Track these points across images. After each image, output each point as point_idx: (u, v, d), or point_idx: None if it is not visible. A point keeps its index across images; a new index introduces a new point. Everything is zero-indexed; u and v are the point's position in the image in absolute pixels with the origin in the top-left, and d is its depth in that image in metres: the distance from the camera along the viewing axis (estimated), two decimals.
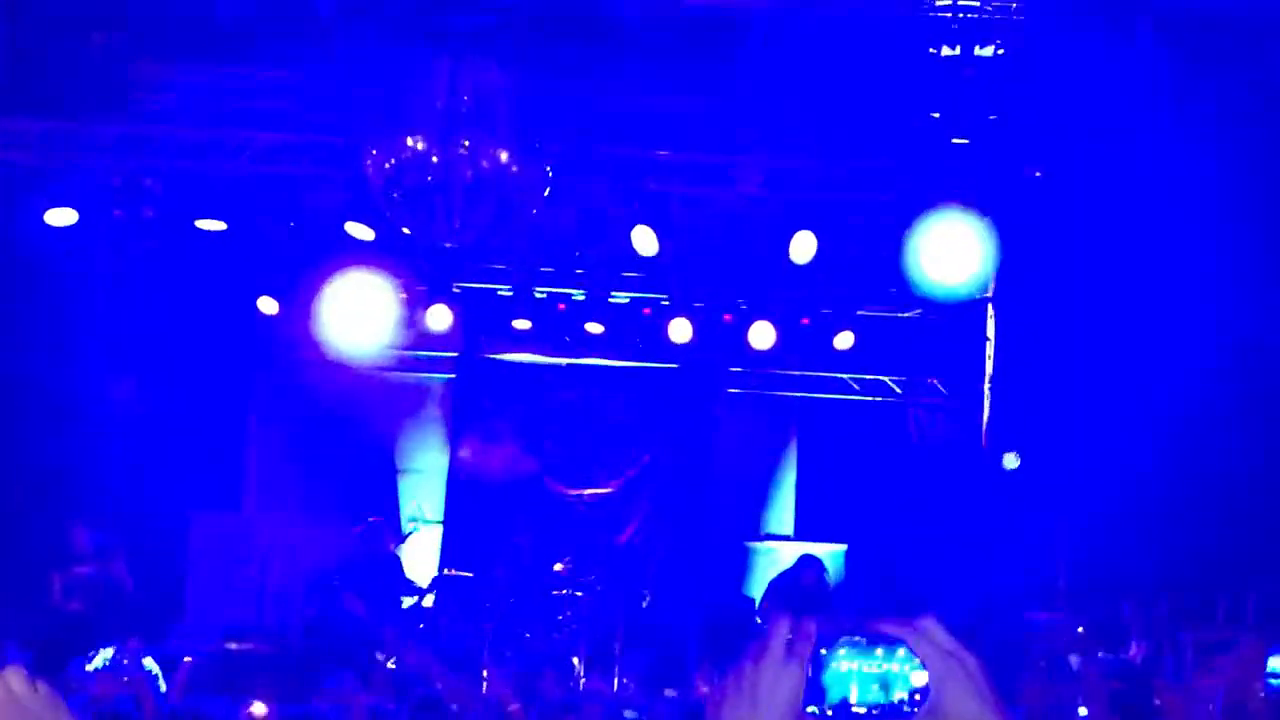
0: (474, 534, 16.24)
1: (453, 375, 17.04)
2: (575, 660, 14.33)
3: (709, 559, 16.52)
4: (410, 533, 14.93)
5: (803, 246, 13.07)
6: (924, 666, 2.17)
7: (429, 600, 14.27)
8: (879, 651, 2.25)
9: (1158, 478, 11.97)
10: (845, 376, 17.19)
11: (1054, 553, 13.69)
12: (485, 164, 10.39)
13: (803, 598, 14.67)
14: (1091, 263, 12.30)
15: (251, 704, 6.49)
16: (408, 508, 15.91)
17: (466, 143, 10.47)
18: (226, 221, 12.94)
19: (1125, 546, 12.62)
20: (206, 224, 12.94)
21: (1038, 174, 12.37)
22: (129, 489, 14.22)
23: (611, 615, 14.81)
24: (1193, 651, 11.58)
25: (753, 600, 15.51)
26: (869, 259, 14.27)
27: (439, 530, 16.05)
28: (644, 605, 15.21)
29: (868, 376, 17.16)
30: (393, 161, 10.54)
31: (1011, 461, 14.77)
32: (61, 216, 12.64)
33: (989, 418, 15.34)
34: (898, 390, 17.17)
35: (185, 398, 14.93)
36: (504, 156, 10.47)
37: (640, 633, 14.67)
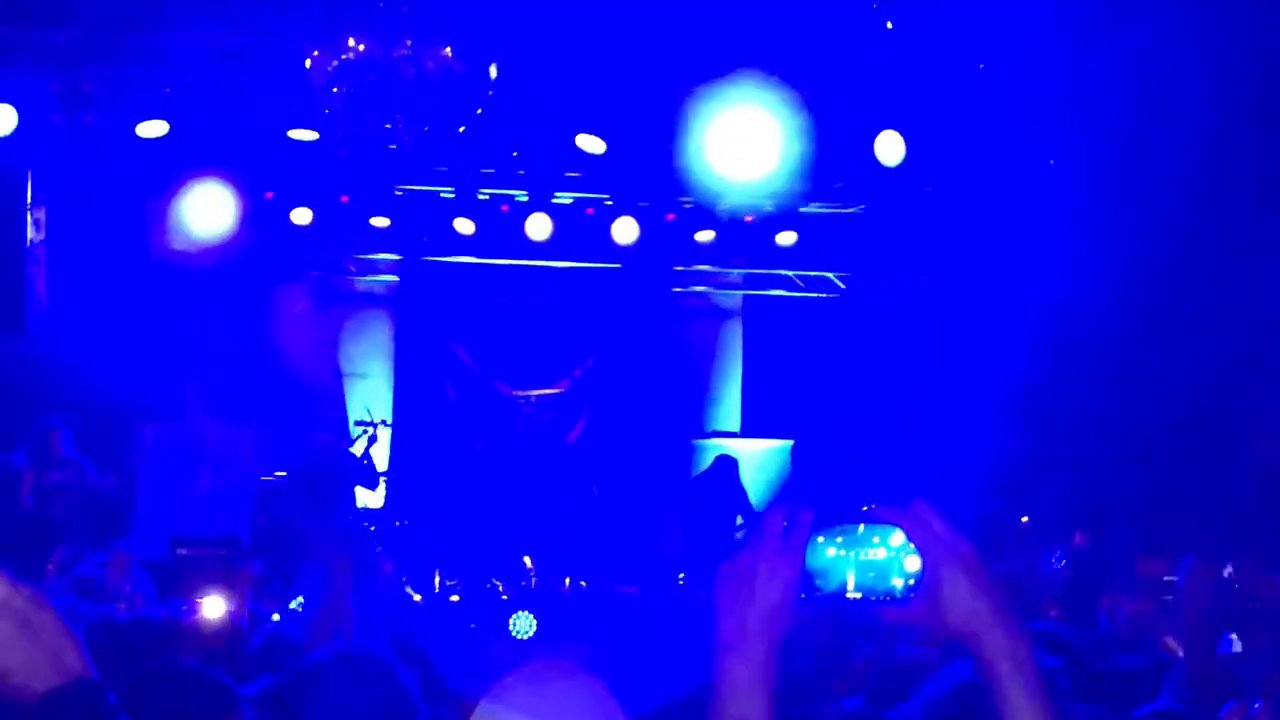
0: (423, 438, 16.28)
1: (396, 279, 16.96)
2: (526, 560, 14.45)
3: (656, 457, 16.62)
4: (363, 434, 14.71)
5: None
6: (919, 552, 2.22)
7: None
8: (875, 538, 2.29)
9: (1104, 371, 12.11)
10: (789, 273, 17.25)
11: (1001, 444, 13.84)
12: (429, 64, 10.27)
13: (719, 497, 14.87)
14: (1033, 159, 12.36)
15: (205, 599, 6.41)
16: (355, 412, 15.84)
17: (409, 42, 10.33)
18: (169, 124, 12.76)
19: (1073, 435, 12.78)
20: (147, 128, 12.76)
21: (981, 66, 12.35)
22: (74, 401, 14.10)
23: (561, 515, 14.94)
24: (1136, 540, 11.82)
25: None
26: (810, 154, 14.21)
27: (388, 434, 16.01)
28: (593, 505, 15.33)
29: (811, 273, 17.23)
30: (335, 63, 10.39)
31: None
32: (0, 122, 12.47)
33: (936, 312, 15.43)
34: (841, 286, 17.26)
35: (126, 306, 14.76)
36: (447, 54, 10.33)
37: (590, 531, 14.80)
